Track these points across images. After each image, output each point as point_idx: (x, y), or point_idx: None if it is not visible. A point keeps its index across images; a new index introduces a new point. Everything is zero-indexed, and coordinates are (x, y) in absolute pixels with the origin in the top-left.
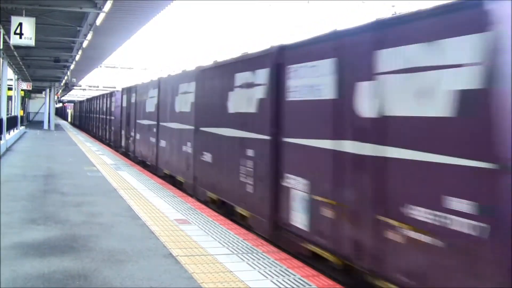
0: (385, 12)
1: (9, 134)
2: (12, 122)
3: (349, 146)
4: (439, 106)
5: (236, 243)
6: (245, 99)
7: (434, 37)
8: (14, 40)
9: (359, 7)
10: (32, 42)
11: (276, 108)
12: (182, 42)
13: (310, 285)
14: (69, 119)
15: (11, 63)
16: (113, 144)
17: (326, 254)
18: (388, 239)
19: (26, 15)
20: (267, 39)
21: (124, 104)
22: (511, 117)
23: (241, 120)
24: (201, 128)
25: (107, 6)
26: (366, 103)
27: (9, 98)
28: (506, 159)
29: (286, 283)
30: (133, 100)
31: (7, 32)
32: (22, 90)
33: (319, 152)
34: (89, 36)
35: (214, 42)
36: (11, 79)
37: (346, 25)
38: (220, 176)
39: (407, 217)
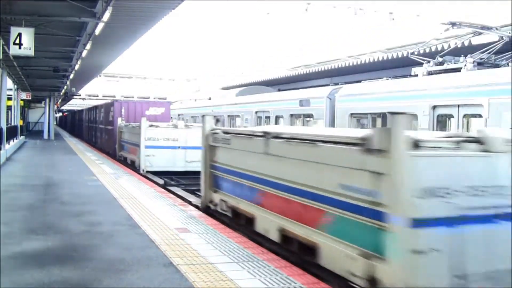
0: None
1: (8, 144)
2: (12, 132)
3: None
4: None
5: (236, 252)
6: None
7: None
8: (14, 50)
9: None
10: (31, 52)
11: None
12: (182, 48)
13: None
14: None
15: (11, 73)
16: None
17: None
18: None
19: (25, 26)
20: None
21: None
22: None
23: None
24: None
25: (106, 16)
26: None
27: (9, 108)
28: None
29: None
30: None
31: (7, 43)
32: (21, 100)
33: None
34: (88, 46)
35: (213, 46)
36: (11, 89)
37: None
38: None
39: None
